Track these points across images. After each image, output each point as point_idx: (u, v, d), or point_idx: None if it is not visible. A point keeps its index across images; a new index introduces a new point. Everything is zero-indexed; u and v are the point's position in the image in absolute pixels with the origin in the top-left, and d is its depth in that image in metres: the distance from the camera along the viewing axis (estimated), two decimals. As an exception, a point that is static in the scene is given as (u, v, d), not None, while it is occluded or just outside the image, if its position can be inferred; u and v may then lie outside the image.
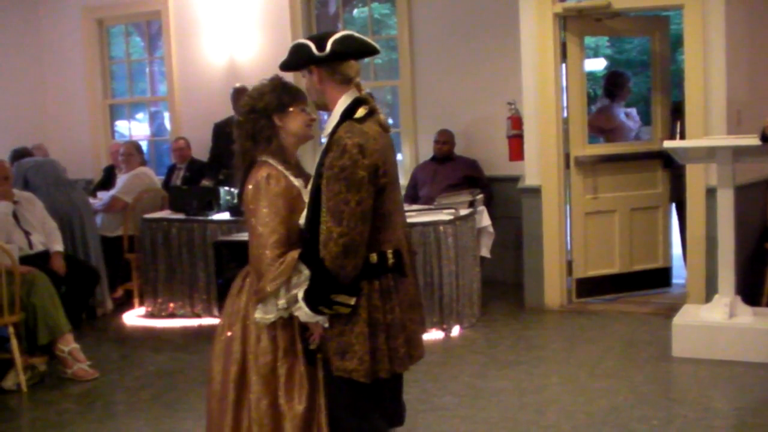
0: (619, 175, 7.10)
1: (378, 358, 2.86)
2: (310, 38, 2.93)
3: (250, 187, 3.10)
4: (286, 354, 3.17)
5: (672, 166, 6.99)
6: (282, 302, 3.01)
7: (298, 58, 2.94)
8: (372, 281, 2.86)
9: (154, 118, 10.55)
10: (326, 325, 2.92)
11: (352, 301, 2.84)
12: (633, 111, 7.89)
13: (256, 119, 3.10)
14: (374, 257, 2.86)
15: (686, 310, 5.90)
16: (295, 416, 3.21)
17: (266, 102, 3.10)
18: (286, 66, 3.01)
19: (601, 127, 7.58)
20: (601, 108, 7.71)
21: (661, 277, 7.38)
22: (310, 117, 3.15)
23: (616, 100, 7.71)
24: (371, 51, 2.99)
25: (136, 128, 10.64)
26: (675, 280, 7.56)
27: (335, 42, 2.86)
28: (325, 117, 3.06)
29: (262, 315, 3.08)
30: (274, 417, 3.23)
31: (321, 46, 2.86)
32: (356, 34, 2.98)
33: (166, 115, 10.43)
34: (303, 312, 2.93)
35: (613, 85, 7.78)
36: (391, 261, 2.89)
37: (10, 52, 9.46)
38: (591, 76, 10.11)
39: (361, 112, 2.87)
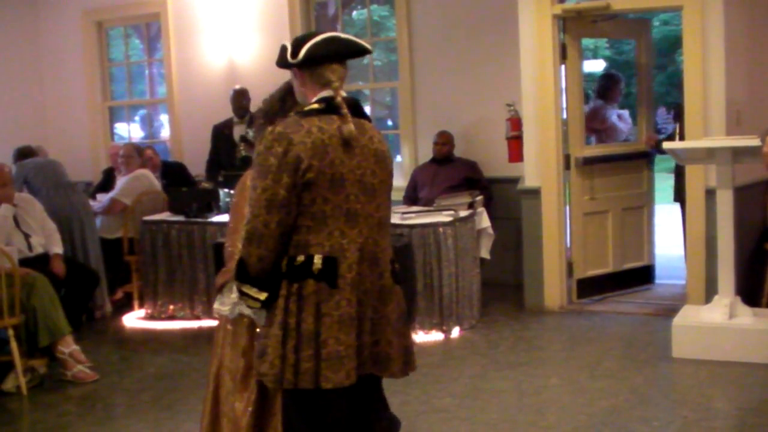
0: (612, 176, 7.22)
1: (286, 365, 2.68)
2: (294, 40, 2.89)
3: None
4: (245, 353, 3.27)
5: (650, 168, 7.41)
6: (233, 296, 3.02)
7: (279, 60, 2.92)
8: (292, 283, 2.71)
9: (147, 121, 10.55)
10: (261, 321, 2.82)
11: (261, 296, 2.73)
12: (625, 113, 7.96)
13: (263, 125, 3.14)
14: (301, 259, 2.71)
15: (686, 311, 5.90)
16: (238, 417, 3.38)
17: (272, 107, 3.14)
18: (277, 64, 2.97)
19: (593, 127, 7.60)
20: (593, 108, 7.76)
21: (645, 274, 7.55)
22: None
23: (608, 101, 7.81)
24: (357, 51, 2.91)
25: (135, 130, 10.64)
26: (672, 281, 7.64)
27: (312, 46, 2.80)
28: None
29: (219, 306, 3.14)
30: (233, 415, 3.42)
31: (295, 52, 2.81)
32: (342, 36, 2.92)
33: (161, 117, 10.46)
34: (244, 305, 2.89)
35: (605, 86, 7.89)
36: (316, 267, 2.70)
37: (9, 55, 9.47)
38: (590, 77, 10.11)
39: (312, 106, 2.79)
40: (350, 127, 2.75)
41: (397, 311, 2.88)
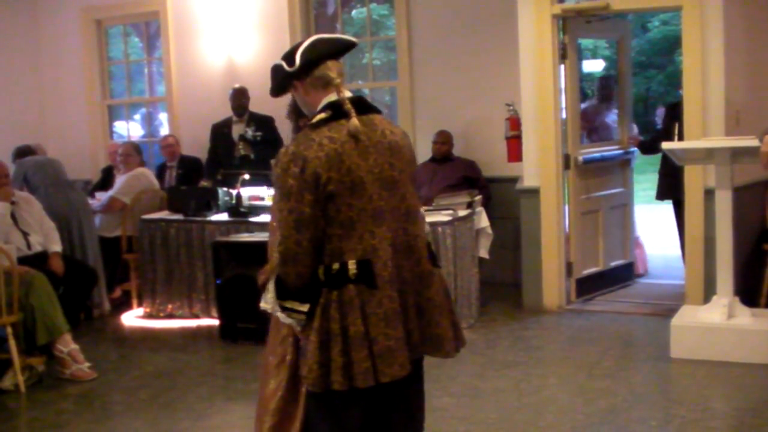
0: (602, 176, 7.35)
1: (331, 368, 2.75)
2: (282, 57, 2.94)
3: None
4: (283, 341, 3.49)
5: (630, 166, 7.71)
6: (270, 295, 3.07)
7: (277, 79, 2.97)
8: (331, 291, 2.77)
9: (148, 119, 10.55)
10: (299, 327, 2.91)
11: (304, 308, 2.82)
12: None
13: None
14: (336, 266, 2.78)
15: (684, 311, 5.90)
16: (268, 398, 3.50)
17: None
18: (274, 91, 3.04)
19: (583, 125, 7.62)
20: (587, 107, 7.80)
21: (627, 271, 7.69)
22: None
23: (606, 101, 7.91)
24: (345, 46, 2.99)
25: (134, 129, 10.64)
26: (670, 281, 7.69)
27: (303, 51, 2.88)
28: None
29: (263, 304, 3.19)
30: (263, 394, 3.59)
31: (291, 61, 2.89)
32: (325, 36, 2.99)
33: (161, 116, 10.45)
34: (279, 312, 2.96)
35: (604, 88, 8.01)
36: (352, 272, 2.77)
37: (8, 53, 9.46)
38: (589, 77, 10.13)
39: (319, 117, 2.84)
40: (354, 122, 2.79)
41: (442, 292, 2.97)
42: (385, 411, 2.97)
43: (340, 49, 2.98)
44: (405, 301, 2.85)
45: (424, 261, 2.93)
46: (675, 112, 6.84)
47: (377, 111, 2.97)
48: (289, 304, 2.86)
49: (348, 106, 2.82)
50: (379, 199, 2.82)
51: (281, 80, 2.96)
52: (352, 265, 2.78)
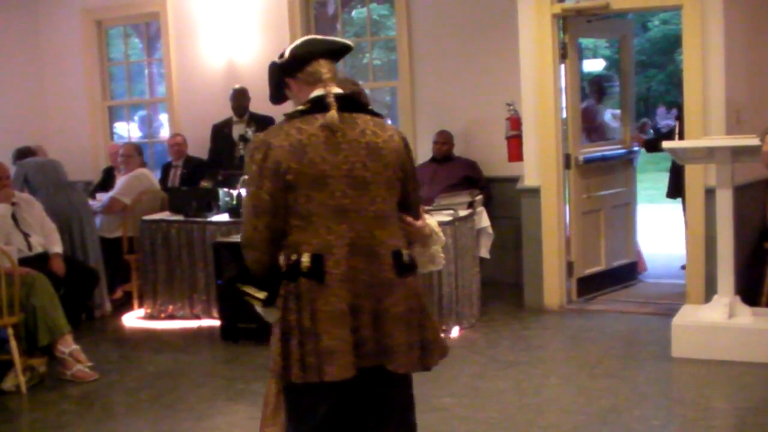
0: (604, 175, 7.34)
1: (291, 361, 2.75)
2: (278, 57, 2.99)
3: None
4: None
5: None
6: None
7: (272, 79, 2.98)
8: (289, 282, 2.78)
9: (148, 121, 10.54)
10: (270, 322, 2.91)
11: (260, 295, 2.84)
12: (619, 113, 7.99)
13: None
14: (294, 258, 2.78)
15: (686, 311, 5.90)
16: (270, 396, 3.47)
17: None
18: (272, 97, 3.05)
19: (584, 126, 7.63)
20: (585, 107, 7.80)
21: (630, 271, 7.68)
22: None
23: (602, 101, 7.94)
24: (339, 47, 2.99)
25: (134, 130, 10.63)
26: (671, 280, 7.68)
27: (294, 47, 2.92)
28: None
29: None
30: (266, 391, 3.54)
31: (281, 56, 2.92)
32: (319, 36, 3.03)
33: (161, 117, 10.45)
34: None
35: (596, 89, 8.01)
36: (305, 265, 2.75)
37: (9, 54, 9.46)
38: (590, 76, 10.13)
39: (297, 108, 2.86)
40: (330, 114, 2.78)
41: (404, 304, 2.83)
42: (359, 419, 2.92)
43: (333, 49, 2.96)
44: (359, 304, 2.79)
45: (387, 268, 2.82)
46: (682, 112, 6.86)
47: (371, 112, 2.93)
48: (246, 289, 2.87)
49: (330, 99, 2.81)
50: (342, 196, 2.78)
51: (276, 81, 2.97)
52: (305, 259, 2.76)
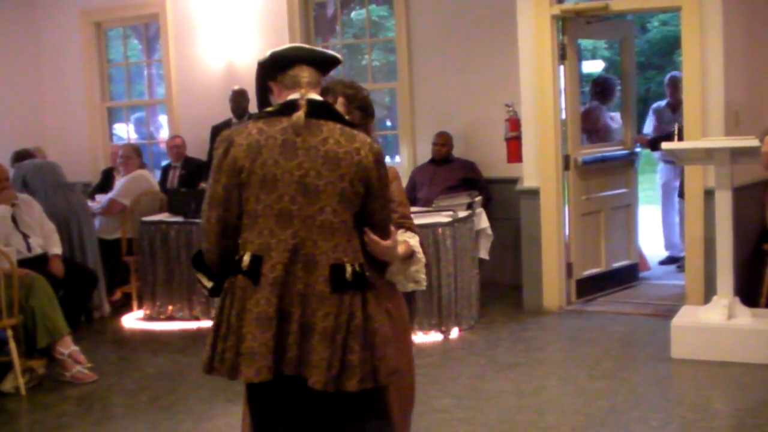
0: (604, 176, 7.34)
1: (215, 354, 2.86)
2: None
3: None
4: None
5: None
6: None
7: (257, 81, 3.00)
8: (230, 278, 2.84)
9: (147, 122, 10.53)
10: None
11: (208, 284, 2.95)
12: (617, 115, 8.05)
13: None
14: (238, 255, 2.83)
15: (685, 312, 5.90)
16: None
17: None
18: (258, 101, 3.05)
19: (585, 128, 7.64)
20: (588, 108, 7.81)
21: (631, 272, 7.67)
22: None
23: (603, 103, 7.94)
24: (325, 57, 2.98)
25: (132, 132, 10.62)
26: (672, 281, 7.67)
27: (277, 49, 2.95)
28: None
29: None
30: None
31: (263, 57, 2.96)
32: (306, 45, 3.07)
33: (160, 118, 10.44)
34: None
35: (601, 90, 8.00)
36: (245, 263, 2.79)
37: (8, 55, 9.46)
38: (589, 77, 10.14)
39: (267, 109, 2.89)
40: (296, 115, 2.79)
41: (332, 320, 2.77)
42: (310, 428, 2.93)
43: (317, 58, 2.96)
44: (288, 311, 2.77)
45: (321, 281, 2.78)
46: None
47: (344, 121, 2.89)
48: (199, 276, 2.99)
49: (301, 102, 2.81)
50: (291, 202, 2.77)
51: (260, 84, 3.00)
52: (246, 258, 2.80)
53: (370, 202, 2.86)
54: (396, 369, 2.89)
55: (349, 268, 2.81)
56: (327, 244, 2.79)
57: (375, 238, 2.90)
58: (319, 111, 2.84)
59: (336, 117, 2.88)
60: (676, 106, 7.78)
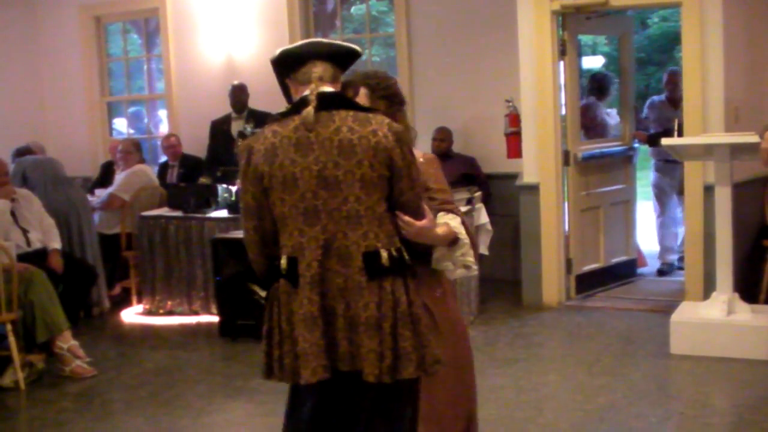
0: (603, 172, 7.34)
1: (272, 361, 2.82)
2: None
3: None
4: None
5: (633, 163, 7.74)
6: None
7: (278, 80, 2.99)
8: (274, 284, 2.82)
9: (137, 118, 10.52)
10: None
11: (262, 293, 2.90)
12: (613, 111, 8.04)
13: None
14: (277, 261, 2.82)
15: (684, 308, 5.90)
16: None
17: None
18: (288, 101, 3.01)
19: (583, 124, 7.64)
20: (586, 104, 7.80)
21: (629, 268, 7.66)
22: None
23: (600, 99, 7.93)
24: (341, 51, 2.93)
25: (128, 125, 10.61)
26: (671, 277, 7.68)
27: (289, 46, 2.94)
28: None
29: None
30: None
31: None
32: (324, 40, 3.03)
33: (160, 113, 10.42)
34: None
35: (598, 86, 7.99)
36: (282, 267, 2.78)
37: (7, 50, 9.44)
38: (589, 73, 10.14)
39: (280, 110, 2.87)
40: (307, 110, 2.76)
41: (375, 310, 2.74)
42: (341, 423, 2.90)
43: (332, 52, 2.91)
44: (331, 307, 2.76)
45: (356, 271, 2.75)
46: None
47: (357, 107, 2.84)
48: (253, 287, 3.01)
49: (311, 97, 2.77)
50: (314, 198, 2.75)
51: (280, 83, 2.97)
52: (283, 261, 2.79)
53: (397, 182, 2.79)
54: (439, 358, 2.85)
55: (384, 254, 2.77)
56: (356, 234, 2.76)
57: (407, 219, 2.83)
58: (331, 102, 2.80)
59: (349, 105, 2.84)
60: (676, 102, 7.76)
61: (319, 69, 2.84)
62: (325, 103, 2.78)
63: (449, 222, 3.04)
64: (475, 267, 3.16)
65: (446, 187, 3.19)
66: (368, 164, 2.74)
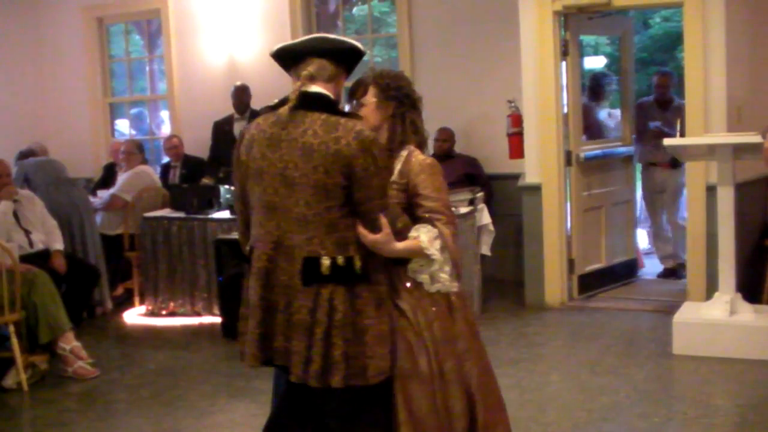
0: (604, 172, 7.34)
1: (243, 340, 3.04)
2: None
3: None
4: None
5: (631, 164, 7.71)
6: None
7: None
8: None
9: (139, 119, 10.53)
10: None
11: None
12: (616, 111, 7.98)
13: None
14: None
15: (687, 308, 5.90)
16: None
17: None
18: None
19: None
20: (582, 105, 7.78)
21: (630, 268, 7.67)
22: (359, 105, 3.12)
23: (597, 99, 7.89)
24: (343, 49, 2.93)
25: (130, 126, 10.62)
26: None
27: (288, 43, 2.99)
28: None
29: None
30: None
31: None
32: (329, 36, 3.02)
33: (162, 114, 10.42)
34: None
35: (594, 86, 7.94)
36: (248, 253, 2.97)
37: (9, 51, 9.45)
38: (589, 74, 10.13)
39: (270, 104, 2.94)
40: (283, 109, 2.82)
41: (307, 315, 2.78)
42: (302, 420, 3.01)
43: (335, 49, 2.92)
44: (275, 301, 2.84)
45: (296, 273, 2.79)
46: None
47: (335, 111, 2.82)
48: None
49: (291, 96, 2.82)
50: (274, 194, 2.82)
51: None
52: (247, 248, 2.96)
53: (355, 192, 2.78)
54: (384, 370, 2.82)
55: (326, 261, 2.78)
56: (301, 237, 2.79)
57: (361, 230, 2.81)
58: (310, 103, 2.81)
59: (327, 108, 2.82)
60: (665, 105, 7.61)
61: (312, 67, 2.87)
62: (305, 103, 2.81)
63: (421, 236, 2.95)
64: (448, 284, 3.06)
65: (438, 194, 3.07)
66: (324, 170, 2.75)
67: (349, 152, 2.74)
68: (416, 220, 3.02)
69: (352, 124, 2.79)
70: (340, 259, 2.78)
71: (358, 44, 2.98)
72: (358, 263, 2.80)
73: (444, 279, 3.04)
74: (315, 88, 2.85)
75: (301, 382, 2.80)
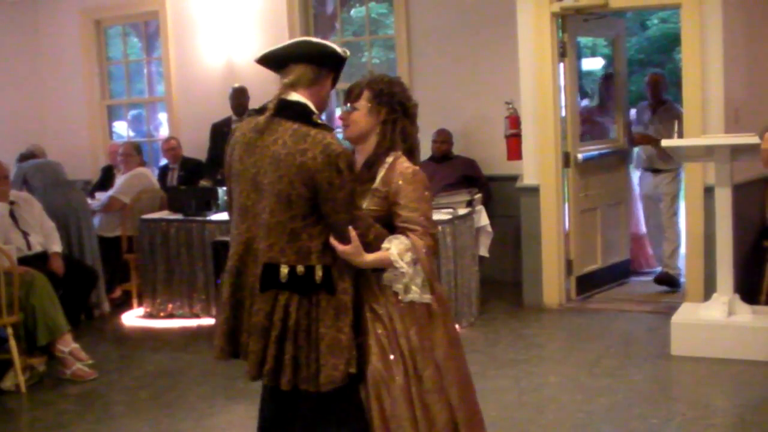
0: (600, 174, 7.34)
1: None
2: None
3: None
4: None
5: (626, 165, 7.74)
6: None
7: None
8: None
9: (137, 121, 10.52)
10: None
11: None
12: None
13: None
14: None
15: (685, 309, 5.90)
16: None
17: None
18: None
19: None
20: (582, 107, 7.78)
21: (624, 269, 7.67)
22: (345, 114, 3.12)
23: (605, 101, 7.85)
24: (326, 53, 2.95)
25: (129, 129, 10.62)
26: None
27: (272, 48, 3.01)
28: None
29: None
30: None
31: None
32: (314, 39, 3.08)
33: (160, 115, 10.43)
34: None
35: (606, 88, 7.92)
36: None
37: (7, 54, 9.45)
38: (589, 75, 10.15)
39: (257, 107, 3.01)
40: (260, 117, 2.90)
41: (263, 318, 2.86)
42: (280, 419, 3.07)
43: (318, 54, 2.94)
44: (243, 299, 2.94)
45: (258, 278, 2.88)
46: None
47: (308, 122, 2.84)
48: None
49: (269, 104, 2.90)
50: (247, 198, 2.90)
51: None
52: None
53: (322, 205, 2.82)
54: (334, 379, 2.83)
55: (284, 269, 2.83)
56: (264, 243, 2.87)
57: (332, 241, 2.85)
58: (287, 111, 2.87)
59: (301, 118, 2.86)
60: (655, 107, 7.49)
61: (293, 75, 2.92)
62: (281, 111, 2.87)
63: (392, 248, 2.92)
64: (419, 297, 3.01)
65: (418, 205, 2.99)
66: (288, 181, 2.79)
67: (314, 166, 2.77)
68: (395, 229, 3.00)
69: (321, 137, 2.81)
70: (300, 268, 2.84)
71: (340, 49, 2.99)
72: (319, 273, 2.84)
73: (414, 291, 3.01)
74: (294, 96, 2.90)
75: (253, 380, 2.93)
